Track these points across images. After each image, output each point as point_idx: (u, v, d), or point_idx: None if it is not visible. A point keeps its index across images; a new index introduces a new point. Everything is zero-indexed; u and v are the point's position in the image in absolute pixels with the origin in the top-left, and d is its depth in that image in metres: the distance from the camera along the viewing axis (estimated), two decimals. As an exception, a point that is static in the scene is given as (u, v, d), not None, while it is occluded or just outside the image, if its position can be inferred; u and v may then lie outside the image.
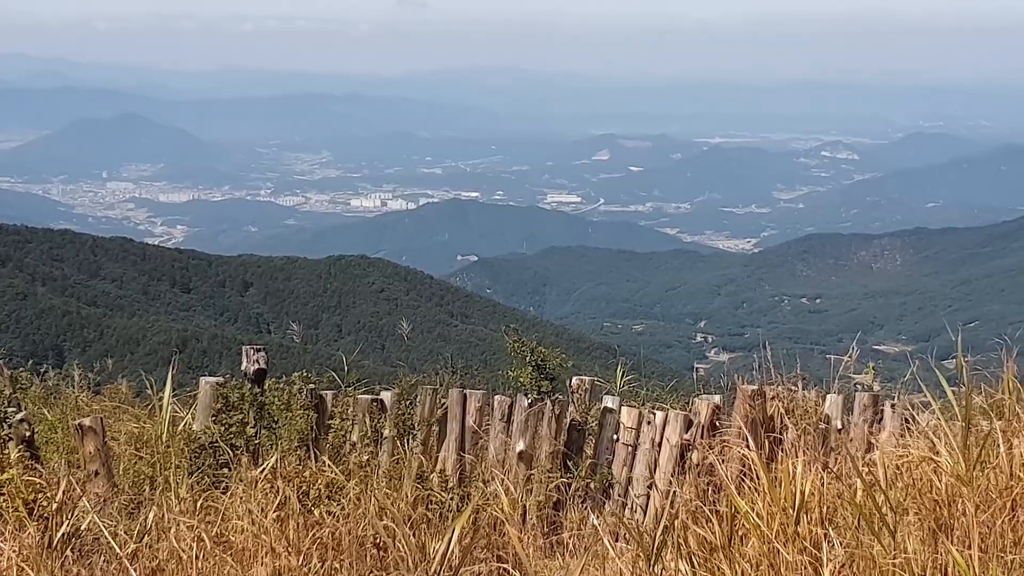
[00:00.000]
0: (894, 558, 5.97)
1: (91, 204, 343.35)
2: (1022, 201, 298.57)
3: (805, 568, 5.89)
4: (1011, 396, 7.25)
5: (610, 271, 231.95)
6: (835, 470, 7.75)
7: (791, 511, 6.16)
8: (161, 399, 11.04)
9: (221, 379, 10.91)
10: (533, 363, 11.35)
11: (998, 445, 6.52)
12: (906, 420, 10.31)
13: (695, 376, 14.38)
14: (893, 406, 10.61)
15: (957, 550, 5.80)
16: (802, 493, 6.21)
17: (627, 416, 11.33)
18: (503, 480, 10.54)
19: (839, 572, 5.90)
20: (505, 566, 8.96)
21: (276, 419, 10.66)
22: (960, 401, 6.90)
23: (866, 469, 7.08)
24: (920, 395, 9.23)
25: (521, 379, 11.38)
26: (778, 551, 6.01)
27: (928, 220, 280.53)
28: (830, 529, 6.25)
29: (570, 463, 11.24)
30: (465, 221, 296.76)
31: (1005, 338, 8.87)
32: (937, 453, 6.79)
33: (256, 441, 10.40)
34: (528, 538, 10.18)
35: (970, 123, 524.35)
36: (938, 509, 6.41)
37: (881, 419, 10.70)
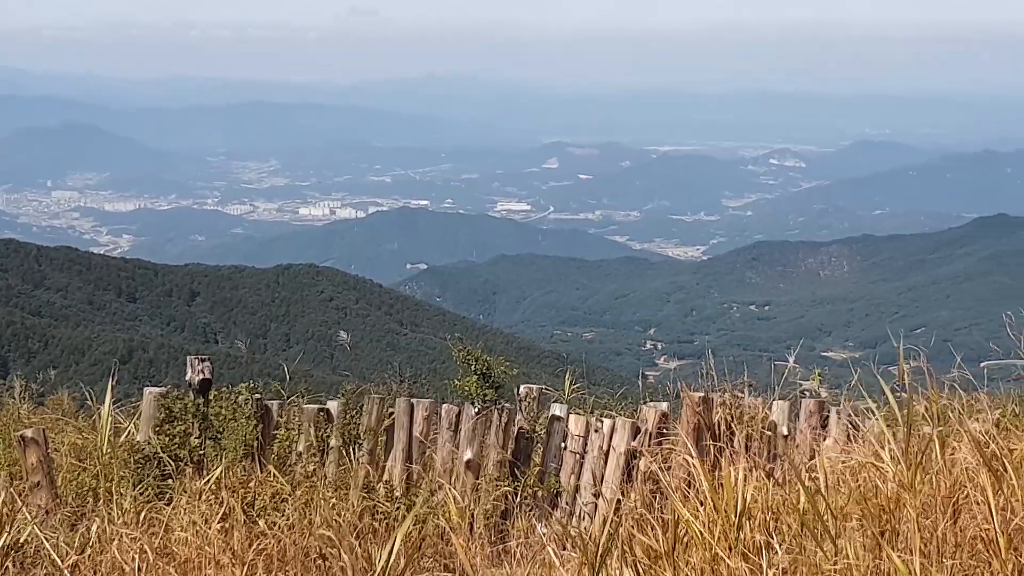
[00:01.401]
0: (836, 564, 6.00)
1: (35, 213, 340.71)
2: (967, 208, 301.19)
3: (747, 575, 5.91)
4: (954, 402, 7.30)
5: (560, 279, 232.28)
6: (779, 477, 7.78)
7: (733, 518, 6.18)
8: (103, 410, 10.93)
9: (164, 390, 10.86)
10: (478, 372, 11.37)
11: (941, 451, 6.57)
12: (851, 426, 10.39)
13: (641, 384, 14.39)
14: (838, 412, 10.66)
15: (900, 556, 5.84)
16: (744, 500, 6.24)
17: (575, 424, 11.34)
18: (451, 489, 10.54)
19: (782, 577, 5.92)
20: (451, 575, 8.96)
21: (221, 430, 10.60)
22: (903, 408, 6.95)
23: (809, 475, 7.11)
24: (867, 401, 9.27)
25: (466, 388, 11.39)
26: (721, 558, 6.03)
27: (875, 227, 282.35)
28: (773, 536, 6.28)
29: (518, 471, 11.24)
30: (415, 229, 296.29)
31: (951, 344, 8.96)
32: (881, 459, 6.83)
33: (200, 452, 10.35)
34: (475, 547, 10.18)
35: (916, 131, 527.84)
36: (882, 515, 6.45)
37: (826, 425, 10.76)
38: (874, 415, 7.81)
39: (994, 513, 5.91)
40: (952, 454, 6.57)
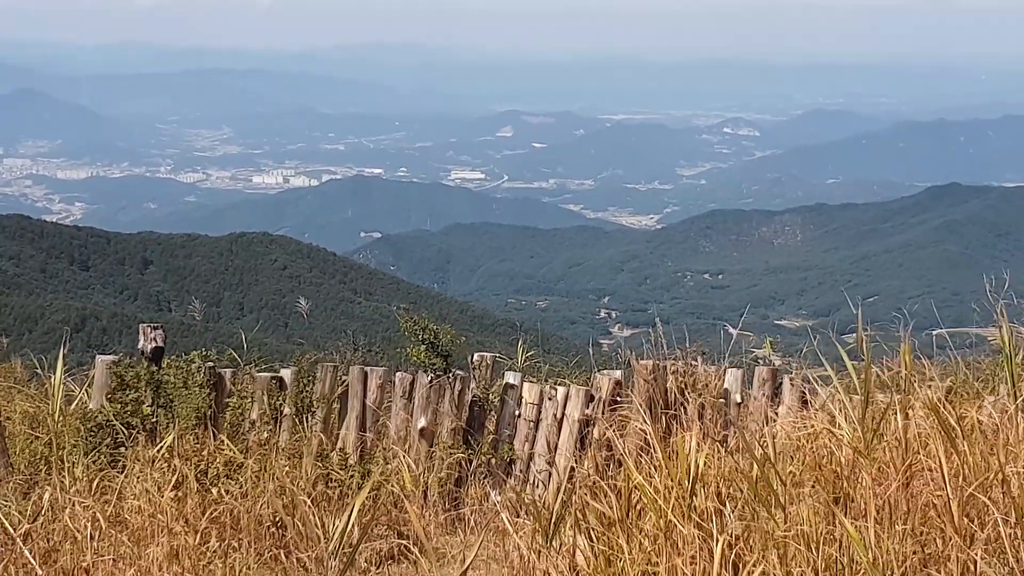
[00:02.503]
0: (793, 527, 6.02)
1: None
2: (920, 177, 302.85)
3: (700, 541, 5.93)
4: (907, 370, 7.33)
5: (514, 248, 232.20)
6: (732, 444, 7.81)
7: (687, 485, 6.20)
8: (54, 378, 10.86)
9: (117, 358, 10.80)
10: (426, 341, 11.34)
11: (895, 418, 6.59)
12: (804, 394, 10.43)
13: (594, 352, 14.40)
14: (791, 380, 10.70)
15: (854, 521, 5.87)
16: (697, 467, 6.25)
17: (529, 392, 11.35)
18: (404, 457, 10.53)
19: (734, 544, 5.94)
20: (405, 542, 8.95)
21: (173, 397, 10.57)
22: (860, 375, 6.97)
23: (762, 443, 7.13)
24: (820, 369, 9.31)
25: (415, 357, 11.38)
26: (674, 525, 6.05)
27: (828, 196, 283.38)
28: (726, 503, 6.30)
29: (472, 439, 11.25)
30: (368, 198, 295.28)
31: (904, 312, 8.97)
32: (837, 426, 6.86)
33: (153, 420, 10.31)
34: (429, 514, 10.19)
35: (869, 100, 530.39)
36: (836, 481, 6.48)
37: (780, 393, 10.79)
38: (832, 382, 7.84)
39: (947, 479, 5.94)
40: (907, 420, 6.60)
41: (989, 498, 5.85)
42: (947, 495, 5.88)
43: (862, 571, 5.67)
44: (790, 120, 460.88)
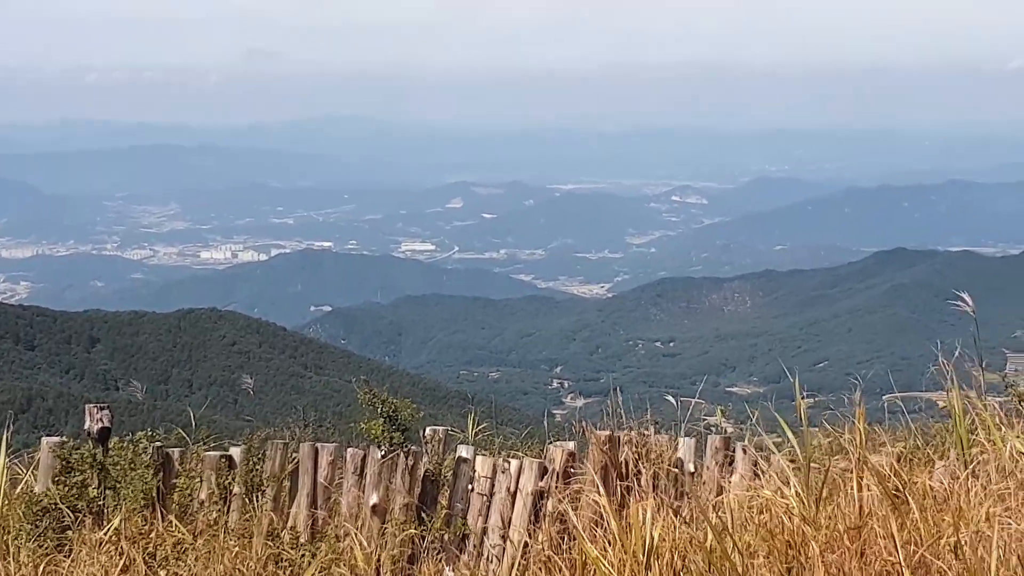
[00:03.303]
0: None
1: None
2: (866, 242, 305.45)
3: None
4: (861, 436, 7.36)
5: (465, 319, 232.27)
6: (686, 515, 7.80)
7: (642, 557, 6.18)
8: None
9: (62, 439, 10.71)
10: (384, 415, 11.30)
11: (846, 484, 6.61)
12: (757, 462, 10.45)
13: (548, 423, 14.40)
14: (744, 448, 10.71)
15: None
16: (652, 539, 6.24)
17: (481, 465, 11.30)
18: (357, 535, 10.46)
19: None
20: (358, 622, 8.88)
21: (120, 479, 10.47)
22: (803, 444, 7.00)
23: (716, 513, 7.13)
24: (773, 436, 9.35)
25: (373, 431, 11.31)
26: (629, 599, 6.02)
27: (776, 262, 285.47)
28: (681, 574, 6.28)
29: (425, 515, 11.18)
30: (318, 271, 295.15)
31: (858, 377, 9.03)
32: (784, 495, 6.87)
33: (99, 502, 10.20)
34: (382, 592, 10.11)
35: (815, 166, 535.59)
36: (788, 551, 6.47)
37: (732, 461, 10.80)
38: (782, 450, 7.86)
39: (898, 546, 5.95)
40: (859, 487, 6.62)
41: (941, 563, 5.86)
42: (899, 562, 5.89)
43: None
44: (737, 187, 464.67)
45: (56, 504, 10.03)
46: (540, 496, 10.97)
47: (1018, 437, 7.08)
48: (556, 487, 10.80)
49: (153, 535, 9.33)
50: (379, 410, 11.35)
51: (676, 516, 7.43)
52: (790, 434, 7.31)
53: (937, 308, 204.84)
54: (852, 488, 6.58)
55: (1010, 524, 6.14)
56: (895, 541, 6.01)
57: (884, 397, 10.97)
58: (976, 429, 7.74)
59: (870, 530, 6.33)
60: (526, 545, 10.04)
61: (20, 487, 10.70)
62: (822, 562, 6.15)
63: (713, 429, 11.60)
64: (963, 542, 5.99)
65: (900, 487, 6.37)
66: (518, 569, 6.51)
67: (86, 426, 10.76)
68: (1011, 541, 6.03)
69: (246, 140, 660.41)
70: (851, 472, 6.75)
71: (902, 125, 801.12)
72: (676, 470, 10.70)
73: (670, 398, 11.70)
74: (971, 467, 6.97)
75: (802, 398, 7.26)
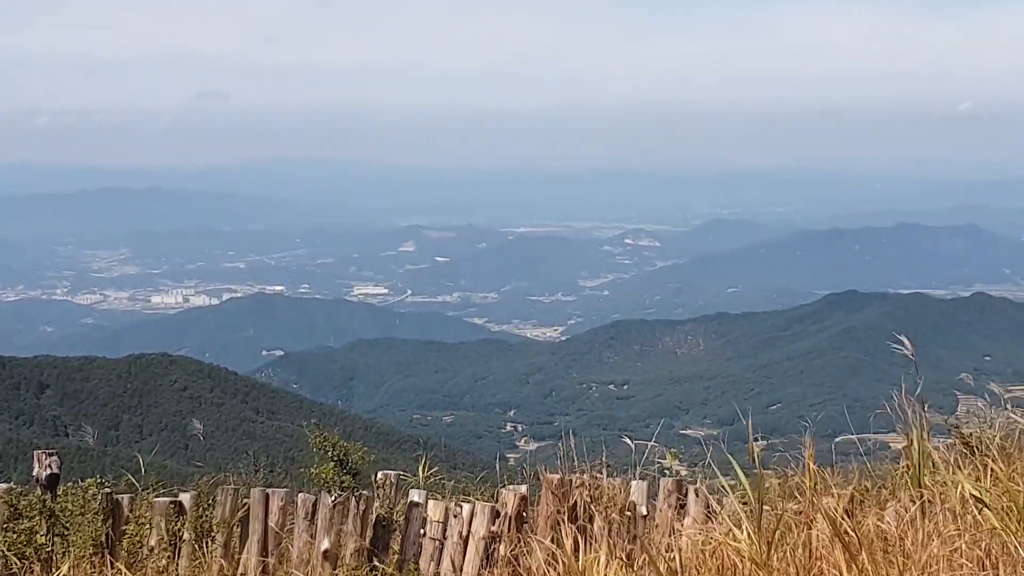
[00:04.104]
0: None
1: None
2: (817, 284, 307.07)
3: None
4: (811, 479, 7.40)
5: (419, 362, 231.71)
6: (639, 559, 7.81)
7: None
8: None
9: (9, 486, 10.65)
10: (335, 458, 11.29)
11: (798, 527, 6.64)
12: (709, 504, 10.48)
13: (500, 467, 14.42)
14: (696, 491, 10.75)
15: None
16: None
17: (434, 510, 11.29)
18: (307, 580, 10.42)
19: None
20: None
21: (69, 526, 10.42)
22: (755, 487, 7.02)
23: (669, 556, 7.14)
24: (725, 478, 9.37)
25: (324, 475, 11.30)
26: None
27: (729, 305, 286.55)
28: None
29: (376, 559, 11.15)
30: (270, 315, 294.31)
31: (809, 420, 9.09)
32: (736, 538, 6.88)
33: (48, 549, 10.14)
34: (334, 639, 10.07)
35: (766, 209, 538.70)
36: (741, 594, 6.49)
37: (685, 504, 10.83)
38: (734, 493, 7.89)
39: (849, 589, 5.98)
40: (810, 529, 6.65)
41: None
42: (850, 605, 5.92)
43: None
44: (690, 230, 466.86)
45: (3, 552, 9.97)
46: (492, 540, 10.96)
47: (966, 480, 7.13)
48: (508, 532, 10.80)
49: (102, 583, 9.27)
50: (330, 454, 11.35)
51: (628, 560, 7.44)
52: (742, 476, 7.34)
53: (888, 350, 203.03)
54: (803, 530, 6.61)
55: (960, 566, 6.18)
56: (845, 584, 6.03)
57: (836, 439, 11.03)
58: (928, 471, 7.79)
59: (820, 573, 6.36)
60: (479, 590, 10.04)
61: (-33, 535, 10.60)
62: (773, 605, 6.18)
63: (666, 472, 11.64)
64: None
65: (850, 529, 6.40)
66: (470, 614, 6.50)
67: (35, 472, 10.72)
68: (961, 582, 6.07)
69: (197, 183, 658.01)
70: (802, 514, 6.78)
71: (851, 167, 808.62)
72: (629, 513, 10.72)
73: (627, 440, 11.73)
74: (917, 507, 7.01)
75: (755, 440, 7.29)
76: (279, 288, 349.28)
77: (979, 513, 6.68)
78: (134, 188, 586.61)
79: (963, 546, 6.39)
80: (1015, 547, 6.26)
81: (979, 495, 6.66)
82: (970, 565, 6.18)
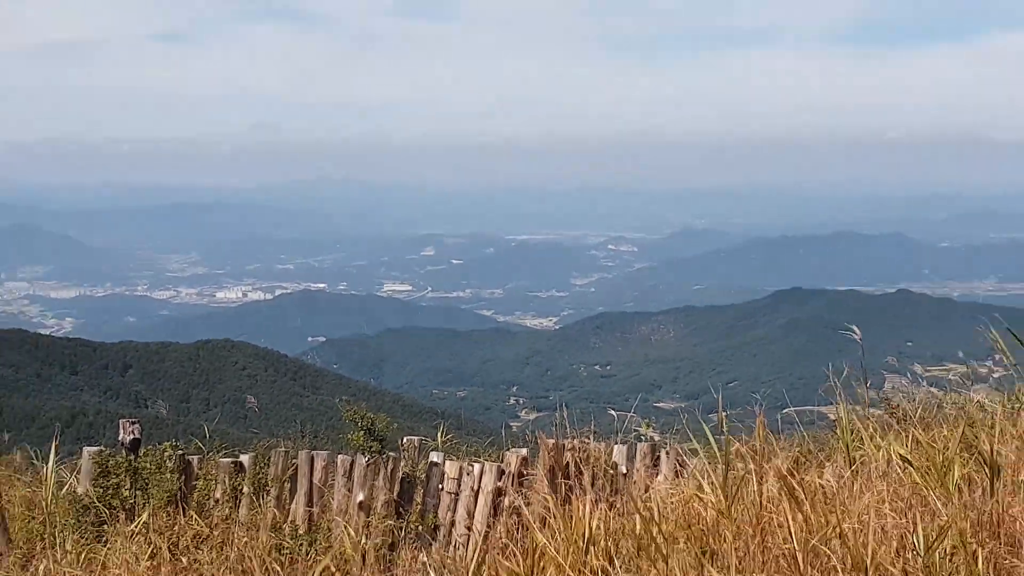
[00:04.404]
0: (669, 578, 6.04)
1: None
2: (768, 283, 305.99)
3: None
4: (761, 443, 7.41)
5: (437, 347, 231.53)
6: (619, 508, 7.82)
7: (581, 544, 6.19)
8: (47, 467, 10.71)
9: (100, 449, 10.71)
10: (363, 428, 11.33)
11: (751, 483, 6.65)
12: (678, 464, 10.49)
13: (505, 433, 14.40)
14: (667, 453, 10.76)
15: (718, 570, 5.89)
16: (590, 528, 6.25)
17: (450, 468, 11.31)
18: (346, 527, 10.44)
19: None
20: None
21: (148, 482, 10.46)
22: (721, 448, 7.04)
23: (644, 506, 7.15)
24: (691, 444, 9.38)
25: (355, 442, 11.35)
26: (571, 578, 6.03)
27: (695, 300, 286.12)
28: (614, 558, 6.30)
29: (402, 510, 11.17)
30: (314, 308, 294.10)
31: (755, 396, 9.09)
32: (703, 491, 6.90)
33: (131, 501, 10.19)
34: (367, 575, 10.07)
35: (728, 220, 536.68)
36: (704, 537, 6.51)
37: (658, 464, 10.85)
38: (700, 454, 7.90)
39: (793, 534, 5.99)
40: (760, 485, 6.66)
41: (828, 548, 5.90)
42: (794, 547, 5.92)
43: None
44: (663, 238, 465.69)
45: (95, 503, 10.02)
46: (498, 494, 10.98)
47: (892, 444, 7.14)
48: (511, 486, 10.82)
49: (176, 528, 9.29)
50: (359, 424, 11.40)
51: (611, 509, 7.45)
52: (711, 439, 7.36)
53: (827, 337, 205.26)
54: (755, 486, 6.62)
55: (886, 516, 6.19)
56: (791, 530, 6.05)
57: (783, 411, 11.04)
58: (860, 437, 7.81)
59: (770, 520, 6.37)
60: (487, 535, 10.04)
61: (65, 489, 10.67)
62: (732, 546, 6.19)
63: (642, 437, 11.65)
64: (847, 531, 6.04)
65: (795, 485, 6.41)
66: (480, 555, 6.50)
67: (120, 437, 10.75)
68: (887, 530, 6.08)
69: (254, 198, 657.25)
70: (755, 473, 6.79)
71: (797, 185, 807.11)
72: (611, 471, 10.74)
73: (612, 412, 11.74)
74: (851, 467, 7.03)
75: (723, 412, 7.32)
76: (322, 285, 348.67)
77: (903, 472, 6.69)
78: (201, 202, 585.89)
79: (888, 498, 6.40)
80: (933, 500, 6.27)
81: (906, 456, 6.68)
82: (894, 515, 6.19)
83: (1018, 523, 6.06)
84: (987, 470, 6.14)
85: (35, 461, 13.05)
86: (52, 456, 10.51)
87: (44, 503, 10.18)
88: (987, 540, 5.90)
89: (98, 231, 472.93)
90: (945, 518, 6.01)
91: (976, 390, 9.54)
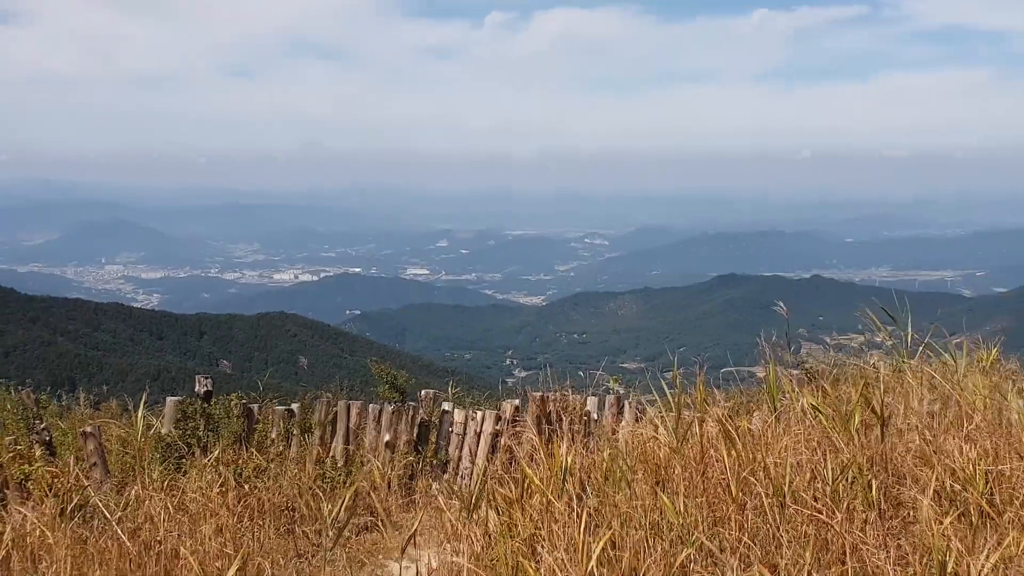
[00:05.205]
0: (630, 501, 6.06)
1: (94, 281, 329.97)
2: (710, 270, 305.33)
3: (570, 512, 5.94)
4: (701, 395, 7.42)
5: (449, 320, 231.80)
6: (591, 447, 7.84)
7: (561, 475, 6.21)
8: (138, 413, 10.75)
9: (180, 398, 10.74)
10: (388, 382, 11.36)
11: (696, 427, 6.68)
12: (638, 413, 10.51)
13: (502, 387, 14.43)
14: (630, 404, 10.78)
15: (669, 496, 5.91)
16: (568, 463, 6.27)
17: (458, 415, 11.35)
18: (375, 461, 10.47)
19: (592, 515, 5.96)
20: (375, 519, 8.87)
21: (219, 425, 10.50)
22: (673, 399, 7.06)
23: (611, 445, 7.17)
24: (649, 396, 9.39)
25: (382, 393, 11.39)
26: (552, 502, 6.05)
27: (653, 283, 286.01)
28: (587, 486, 6.32)
29: (420, 448, 11.20)
30: (352, 288, 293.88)
31: (699, 359, 9.09)
32: (658, 433, 6.92)
33: (205, 440, 10.22)
34: (391, 499, 10.11)
35: (680, 220, 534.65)
36: (658, 470, 6.53)
37: (622, 412, 10.87)
38: (656, 404, 7.92)
39: (728, 468, 6.01)
40: (702, 428, 6.68)
41: (755, 479, 5.93)
42: (728, 478, 5.95)
43: (674, 529, 5.71)
44: (628, 233, 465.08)
45: (176, 441, 10.05)
46: (496, 435, 11.00)
47: (807, 397, 7.15)
48: (506, 430, 10.85)
49: (240, 462, 9.30)
50: (385, 379, 11.43)
51: (584, 448, 7.47)
52: (667, 392, 7.38)
53: (756, 313, 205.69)
54: (699, 429, 6.64)
55: (801, 453, 6.21)
56: (726, 464, 6.07)
57: (721, 370, 11.03)
58: (782, 391, 7.82)
59: (710, 456, 6.39)
60: (486, 468, 10.07)
61: (152, 430, 10.69)
62: (681, 477, 6.22)
63: (610, 391, 11.65)
64: (770, 465, 6.06)
65: (730, 429, 6.44)
66: (481, 483, 6.52)
67: (196, 389, 10.78)
68: (802, 464, 6.11)
69: (304, 200, 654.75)
70: (698, 419, 6.81)
71: (732, 192, 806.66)
72: (585, 418, 10.77)
73: (584, 372, 11.73)
74: (776, 415, 7.05)
75: (676, 371, 7.34)
76: (357, 270, 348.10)
77: (815, 419, 6.71)
78: (262, 203, 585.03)
79: (803, 440, 6.42)
80: (837, 441, 6.30)
81: (817, 406, 6.70)
82: (807, 452, 6.22)
83: (903, 460, 6.11)
84: (879, 418, 6.17)
85: (128, 408, 13.07)
86: (142, 404, 10.53)
87: (135, 441, 10.20)
88: (879, 473, 5.94)
89: (179, 225, 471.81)
90: (847, 455, 6.05)
91: (871, 355, 9.57)
